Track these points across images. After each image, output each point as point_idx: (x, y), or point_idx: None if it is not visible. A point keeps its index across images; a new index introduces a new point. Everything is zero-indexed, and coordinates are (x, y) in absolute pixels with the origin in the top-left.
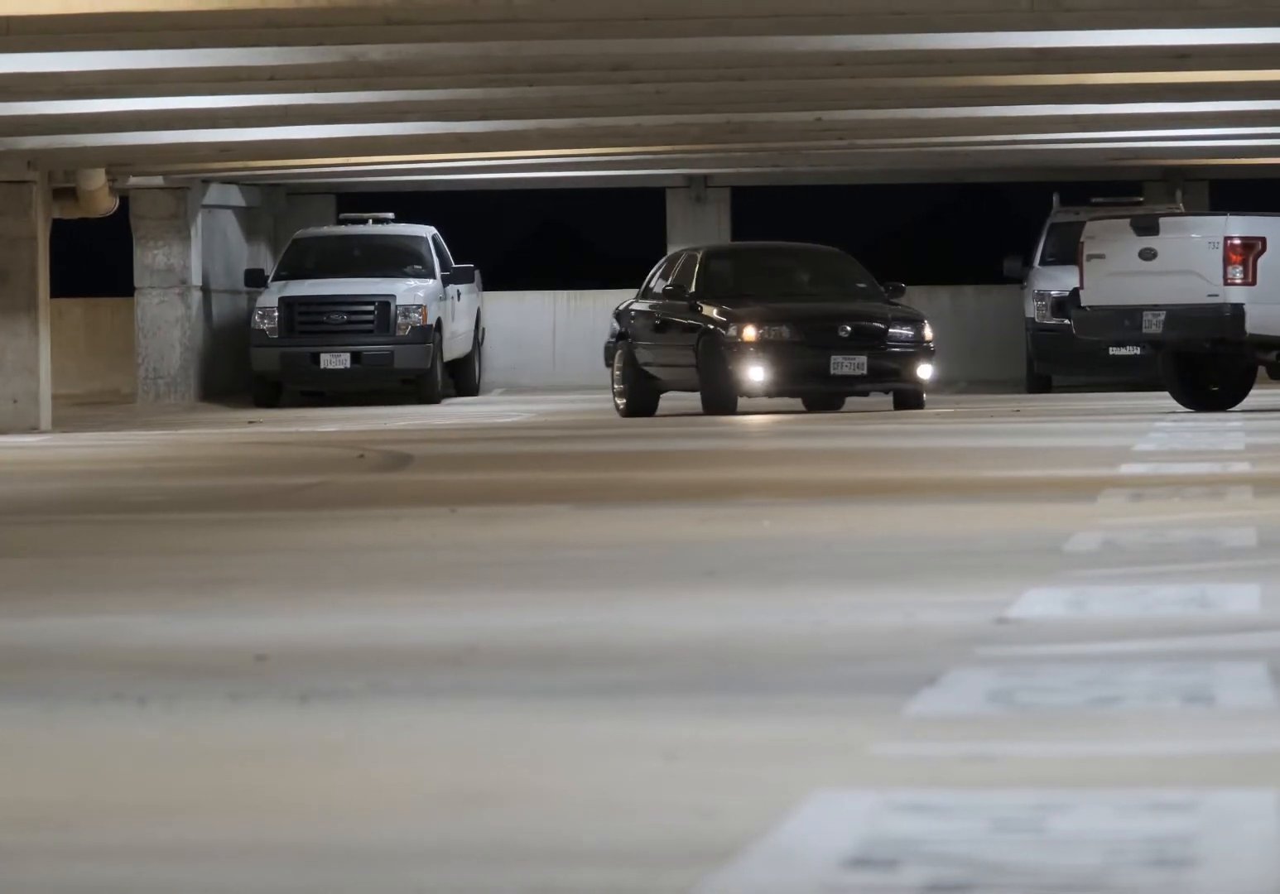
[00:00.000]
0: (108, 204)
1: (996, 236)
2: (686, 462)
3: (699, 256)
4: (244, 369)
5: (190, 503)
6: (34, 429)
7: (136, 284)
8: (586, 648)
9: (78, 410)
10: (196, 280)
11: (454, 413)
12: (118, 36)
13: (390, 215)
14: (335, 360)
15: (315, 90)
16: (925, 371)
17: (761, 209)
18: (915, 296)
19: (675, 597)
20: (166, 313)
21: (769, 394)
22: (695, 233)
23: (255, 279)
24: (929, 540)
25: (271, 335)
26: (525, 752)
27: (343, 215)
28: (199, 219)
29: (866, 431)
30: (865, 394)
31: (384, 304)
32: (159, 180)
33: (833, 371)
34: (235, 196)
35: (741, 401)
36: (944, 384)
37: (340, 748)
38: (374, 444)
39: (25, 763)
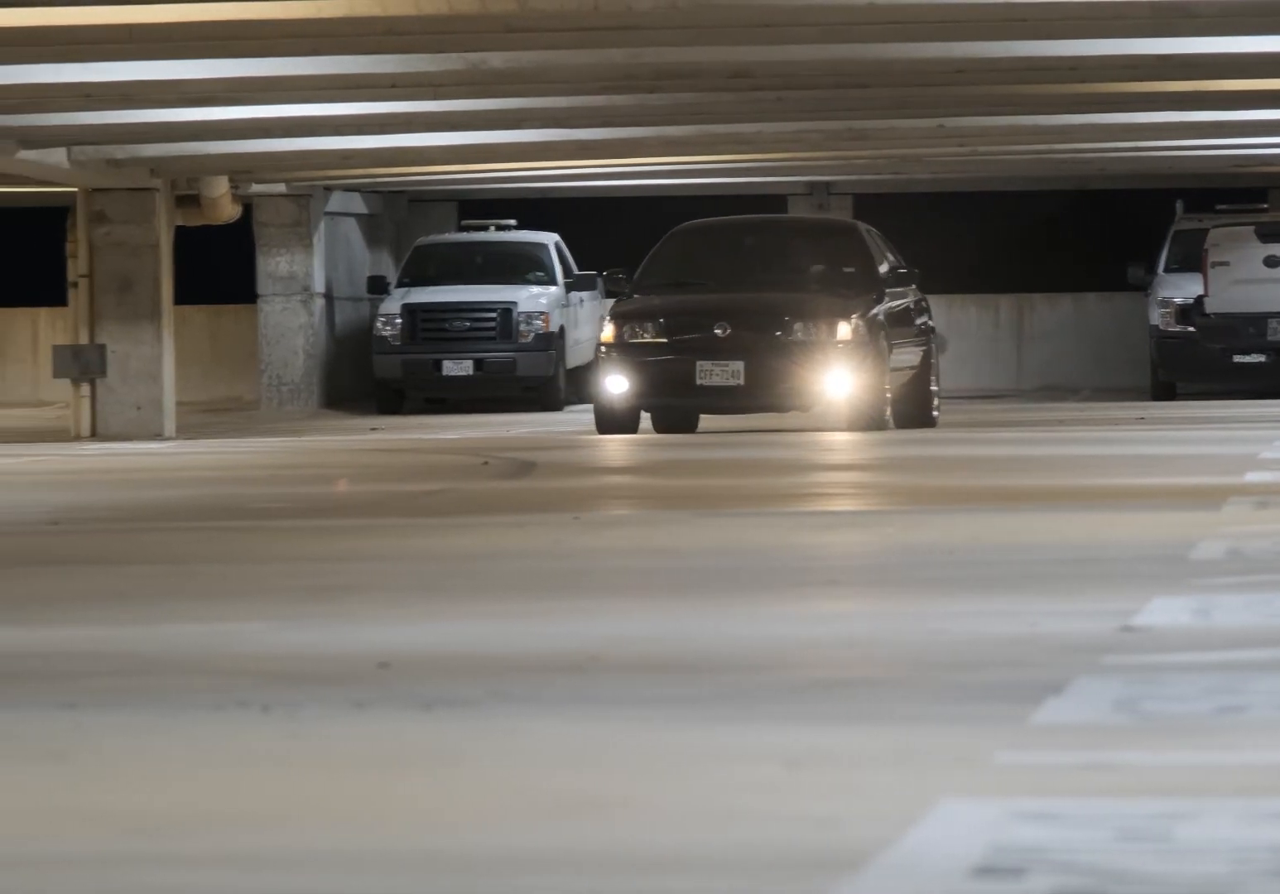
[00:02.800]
0: (230, 211)
1: (1119, 244)
2: (805, 468)
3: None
4: (366, 376)
5: (313, 510)
6: (157, 436)
7: (259, 291)
8: (707, 655)
9: (201, 417)
10: (319, 287)
11: (577, 420)
12: (238, 44)
13: (512, 222)
14: (458, 367)
15: (436, 97)
16: (842, 386)
17: (882, 215)
18: (1037, 303)
19: (796, 604)
20: (289, 320)
21: (633, 409)
22: None
23: (378, 286)
24: (1053, 548)
25: (394, 342)
26: (644, 759)
27: (464, 222)
28: (321, 226)
29: (987, 439)
30: (741, 411)
31: (506, 311)
32: (281, 187)
33: (699, 381)
34: (357, 204)
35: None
36: (1067, 391)
37: (460, 755)
38: (497, 451)
39: (147, 770)
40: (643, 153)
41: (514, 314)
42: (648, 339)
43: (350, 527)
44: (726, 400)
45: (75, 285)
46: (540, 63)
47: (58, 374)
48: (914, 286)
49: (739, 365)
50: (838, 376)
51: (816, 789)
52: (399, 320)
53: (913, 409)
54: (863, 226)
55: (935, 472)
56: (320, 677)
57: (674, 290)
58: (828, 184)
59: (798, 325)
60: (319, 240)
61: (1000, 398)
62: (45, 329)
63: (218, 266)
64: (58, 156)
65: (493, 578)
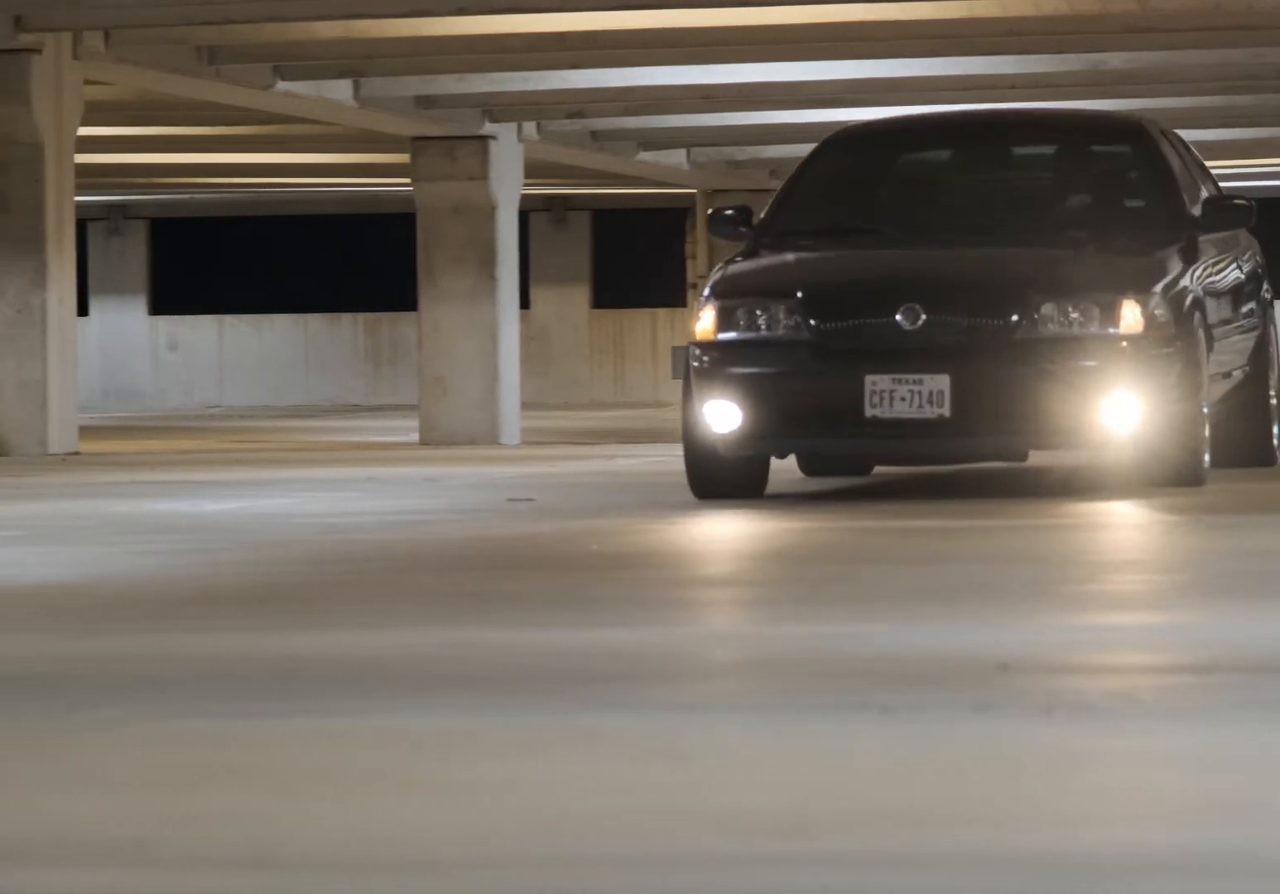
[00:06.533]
0: None
1: None
2: None
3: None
4: None
5: (924, 511)
6: None
7: None
8: None
9: None
10: None
11: None
12: (859, 46)
13: None
14: None
15: (1055, 98)
16: (1126, 413)
17: None
18: None
19: None
20: None
21: (754, 460)
22: None
23: None
24: None
25: None
26: (1268, 764)
27: None
28: None
29: None
30: (945, 461)
31: None
32: None
33: (869, 410)
34: None
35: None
36: None
37: (1080, 758)
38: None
39: (768, 771)
40: (1263, 154)
41: None
42: (776, 333)
43: (967, 528)
44: (917, 442)
45: (694, 286)
46: (1160, 63)
47: (676, 375)
48: (1244, 232)
49: (940, 382)
50: (1119, 398)
51: None
52: None
53: (1241, 437)
54: (1156, 127)
55: None
56: (939, 679)
57: (825, 243)
58: None
59: (1046, 308)
60: None
61: None
62: (664, 330)
63: None
64: (677, 158)
65: (1110, 581)
